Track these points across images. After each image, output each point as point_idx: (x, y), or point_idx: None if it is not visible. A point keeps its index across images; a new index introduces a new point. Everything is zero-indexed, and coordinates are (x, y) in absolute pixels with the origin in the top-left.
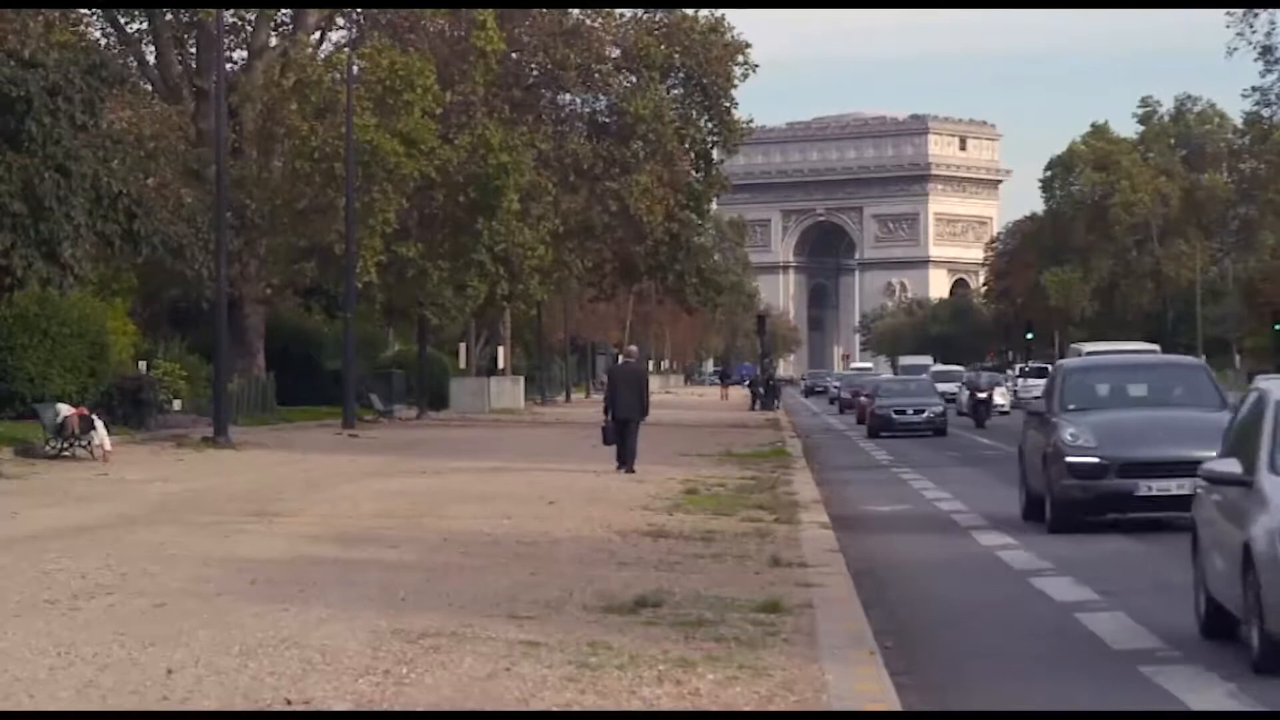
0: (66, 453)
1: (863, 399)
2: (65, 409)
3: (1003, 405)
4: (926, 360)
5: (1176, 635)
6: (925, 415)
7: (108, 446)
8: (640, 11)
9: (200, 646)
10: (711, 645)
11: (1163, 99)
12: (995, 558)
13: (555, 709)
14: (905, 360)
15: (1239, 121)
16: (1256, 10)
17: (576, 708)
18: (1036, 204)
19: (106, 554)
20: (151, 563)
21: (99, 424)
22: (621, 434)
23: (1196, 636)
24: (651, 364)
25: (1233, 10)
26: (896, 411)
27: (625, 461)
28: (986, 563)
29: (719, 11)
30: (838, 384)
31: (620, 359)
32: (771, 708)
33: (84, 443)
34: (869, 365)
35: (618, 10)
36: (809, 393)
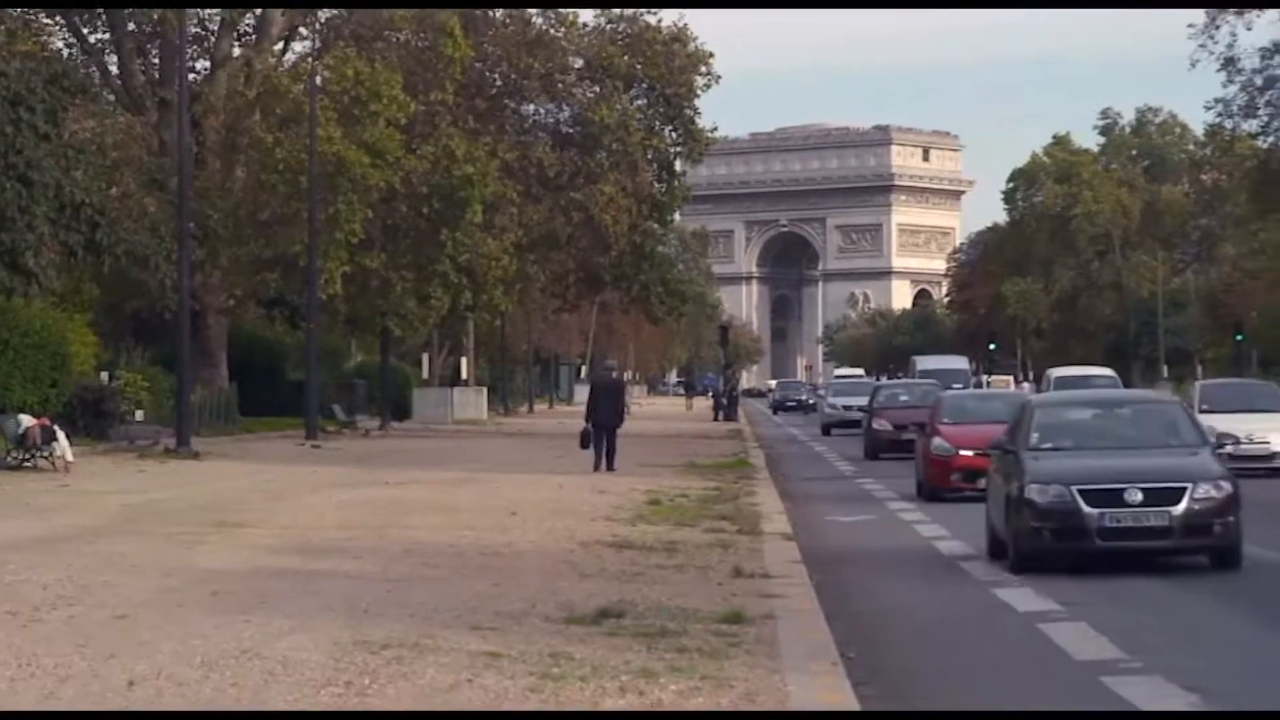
0: (28, 463)
1: (941, 437)
2: (27, 420)
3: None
4: (959, 364)
5: (1138, 645)
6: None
7: (69, 457)
8: (603, 22)
9: (162, 658)
10: (674, 656)
11: (1124, 111)
12: (960, 570)
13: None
14: (926, 363)
15: (1200, 133)
16: (1218, 23)
17: None
18: (999, 215)
19: (68, 565)
20: (113, 574)
21: (61, 435)
22: (601, 439)
23: (1159, 646)
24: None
25: (1194, 23)
26: (1104, 496)
27: (607, 462)
28: (952, 573)
29: (682, 21)
30: (846, 401)
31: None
32: None
33: (45, 453)
34: (859, 371)
35: (581, 20)
36: (779, 408)
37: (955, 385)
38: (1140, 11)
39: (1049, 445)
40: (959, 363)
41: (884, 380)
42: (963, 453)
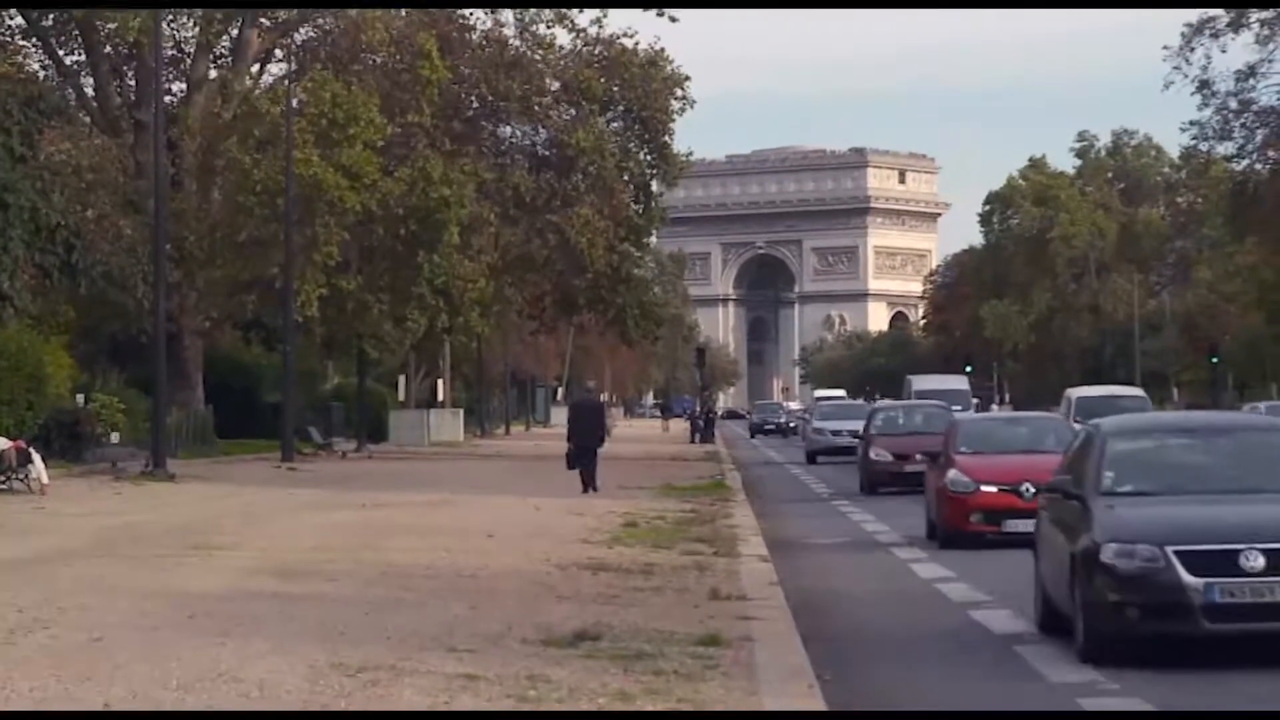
0: (3, 486)
1: (958, 470)
2: (2, 442)
3: None
4: (960, 384)
5: (1113, 668)
6: None
7: (45, 480)
8: (580, 44)
9: (138, 681)
10: (650, 678)
11: (1100, 133)
12: (934, 590)
13: None
14: (922, 383)
15: (1175, 155)
16: (1193, 45)
17: None
18: (975, 237)
19: (44, 588)
20: (89, 596)
21: (36, 457)
22: (582, 460)
23: (1135, 669)
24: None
25: (1169, 45)
26: (1213, 560)
27: (588, 483)
28: (925, 595)
29: (658, 44)
30: (834, 425)
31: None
32: None
33: (21, 476)
34: (841, 392)
35: (558, 43)
36: (757, 431)
37: (955, 408)
38: (1118, 32)
39: (1129, 488)
40: (959, 383)
41: (877, 402)
42: (984, 489)
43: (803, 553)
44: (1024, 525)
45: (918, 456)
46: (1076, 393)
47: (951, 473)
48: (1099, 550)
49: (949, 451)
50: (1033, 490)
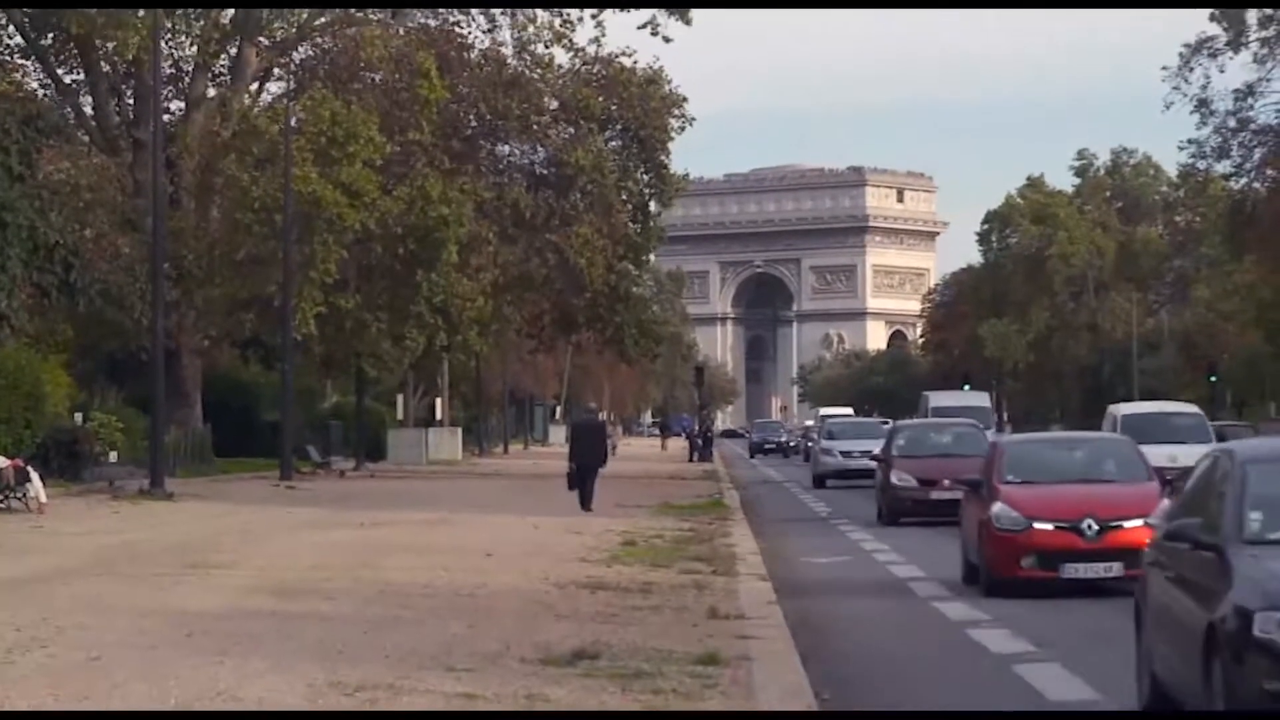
0: (1, 505)
1: (1005, 503)
2: (1, 461)
3: None
4: (980, 401)
5: (1112, 688)
6: None
7: (43, 499)
8: (579, 63)
9: (136, 700)
10: (649, 697)
11: (1099, 152)
12: (933, 609)
13: None
14: (940, 400)
15: (1174, 174)
16: (1191, 65)
17: None
18: (973, 255)
19: (41, 607)
20: (87, 615)
21: (34, 476)
22: (582, 479)
23: (1132, 688)
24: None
25: (1168, 65)
26: None
27: (584, 502)
28: (924, 614)
29: (657, 64)
30: (845, 446)
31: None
32: None
33: (19, 495)
34: (848, 410)
35: (556, 62)
36: (756, 450)
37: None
38: (1118, 48)
39: None
40: (980, 399)
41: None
42: (1038, 526)
43: (798, 573)
44: (1087, 570)
45: (946, 482)
46: (1122, 410)
47: (997, 506)
48: (1251, 619)
49: (993, 480)
50: (1096, 527)
